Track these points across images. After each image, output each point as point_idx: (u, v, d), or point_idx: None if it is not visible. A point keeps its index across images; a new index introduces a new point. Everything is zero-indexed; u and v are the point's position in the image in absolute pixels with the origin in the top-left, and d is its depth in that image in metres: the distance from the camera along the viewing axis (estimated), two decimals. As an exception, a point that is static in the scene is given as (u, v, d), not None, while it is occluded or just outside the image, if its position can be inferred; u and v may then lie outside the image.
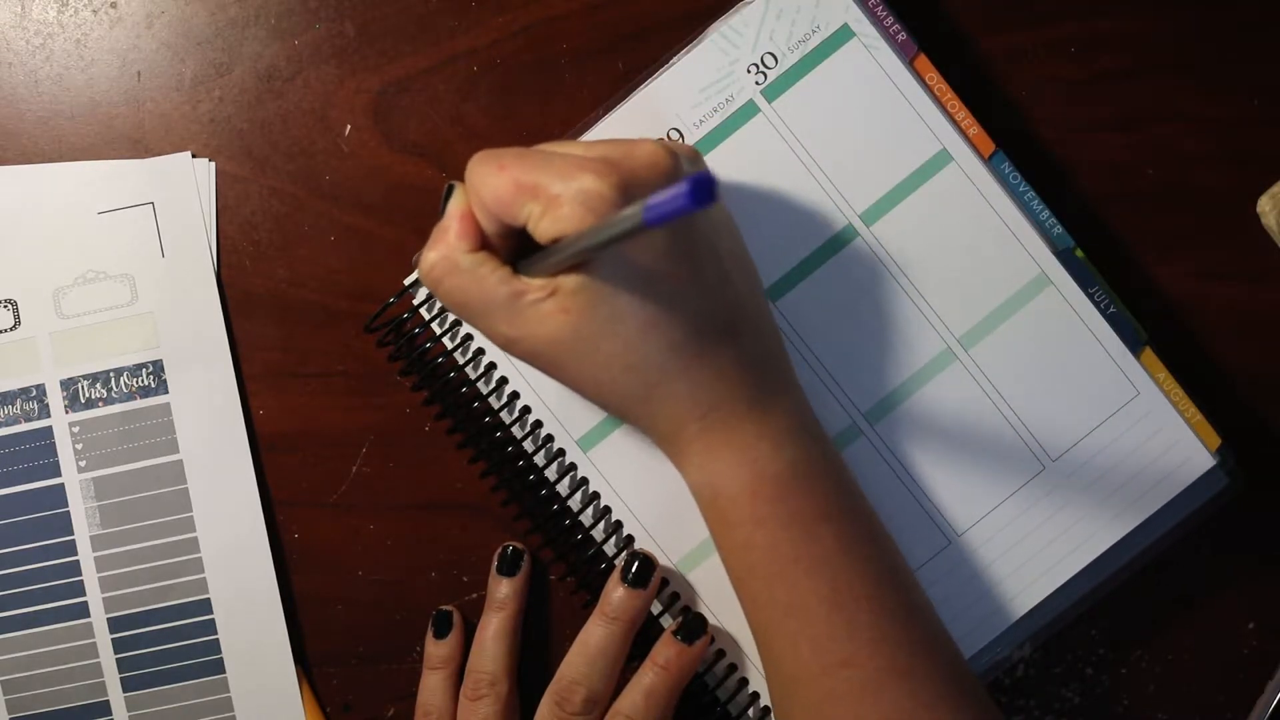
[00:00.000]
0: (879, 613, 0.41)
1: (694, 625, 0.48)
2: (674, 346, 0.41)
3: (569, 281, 0.40)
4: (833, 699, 0.41)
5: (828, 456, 0.43)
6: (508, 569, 0.50)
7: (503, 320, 0.41)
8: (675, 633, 0.48)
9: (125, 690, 0.50)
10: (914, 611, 0.42)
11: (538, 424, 0.49)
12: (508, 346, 0.42)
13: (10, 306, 0.50)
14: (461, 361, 0.49)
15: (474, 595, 0.51)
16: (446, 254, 0.41)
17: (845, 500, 0.43)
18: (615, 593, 0.48)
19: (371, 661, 0.51)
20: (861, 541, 0.42)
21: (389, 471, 0.51)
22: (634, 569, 0.48)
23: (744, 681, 0.49)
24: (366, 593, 0.51)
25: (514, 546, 0.50)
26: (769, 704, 0.48)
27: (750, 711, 0.49)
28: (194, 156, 0.51)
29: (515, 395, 0.49)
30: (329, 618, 0.51)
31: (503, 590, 0.50)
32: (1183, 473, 0.48)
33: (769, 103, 0.48)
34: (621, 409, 0.43)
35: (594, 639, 0.48)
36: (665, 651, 0.48)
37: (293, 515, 0.51)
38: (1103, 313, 0.49)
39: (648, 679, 0.47)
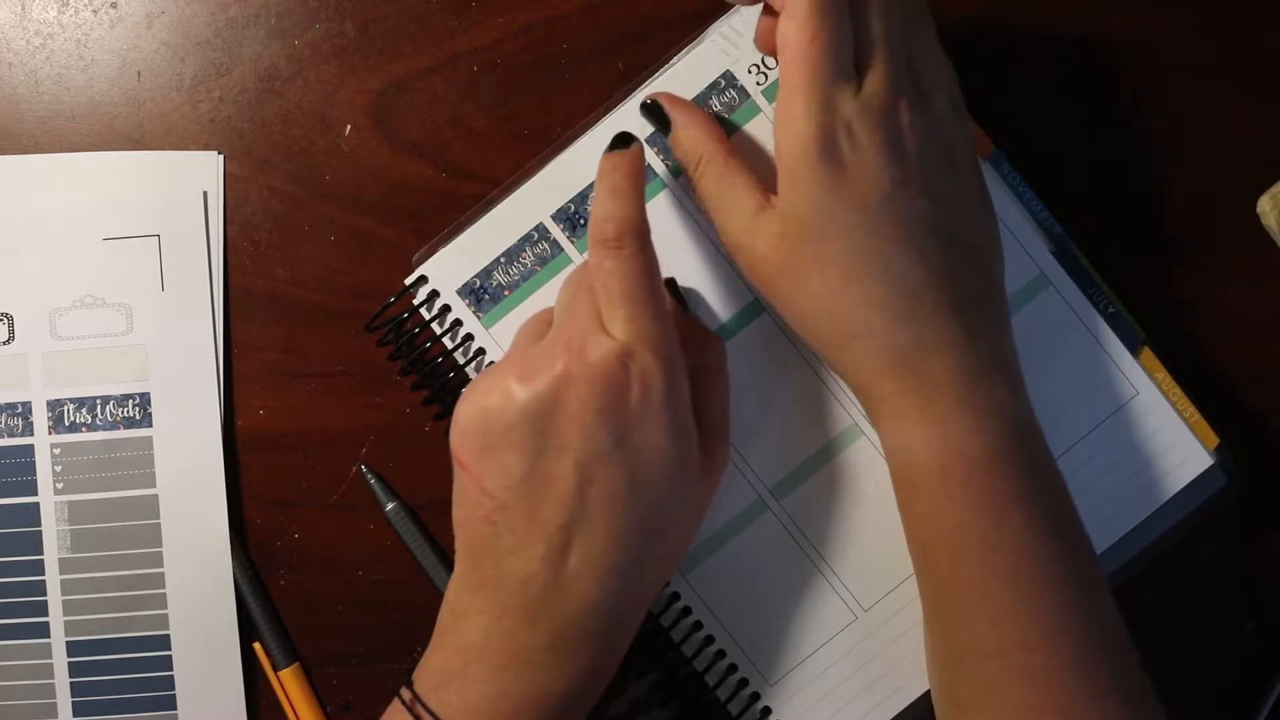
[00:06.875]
0: (1060, 602, 0.41)
1: (625, 138, 0.45)
2: (874, 304, 0.42)
3: (786, 206, 0.42)
4: (1005, 678, 0.41)
5: (1026, 440, 0.43)
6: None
7: (736, 225, 0.44)
8: (609, 149, 0.45)
9: (75, 715, 0.50)
10: (1093, 606, 0.42)
11: (538, 424, 0.49)
12: (734, 253, 0.45)
13: (6, 321, 0.50)
14: (462, 362, 0.49)
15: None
16: (713, 146, 0.45)
17: (1038, 487, 0.42)
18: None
19: (371, 661, 0.51)
20: (1049, 530, 0.42)
21: (389, 471, 0.51)
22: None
23: (744, 682, 0.49)
24: (366, 593, 0.51)
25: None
26: (769, 704, 0.48)
27: (750, 711, 0.49)
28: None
29: (515, 395, 0.49)
30: (329, 618, 0.51)
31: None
32: (1181, 472, 0.48)
33: (770, 103, 0.48)
34: (820, 349, 0.44)
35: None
36: (608, 160, 0.44)
37: (293, 515, 0.51)
38: (1102, 313, 0.49)
39: (605, 183, 0.44)
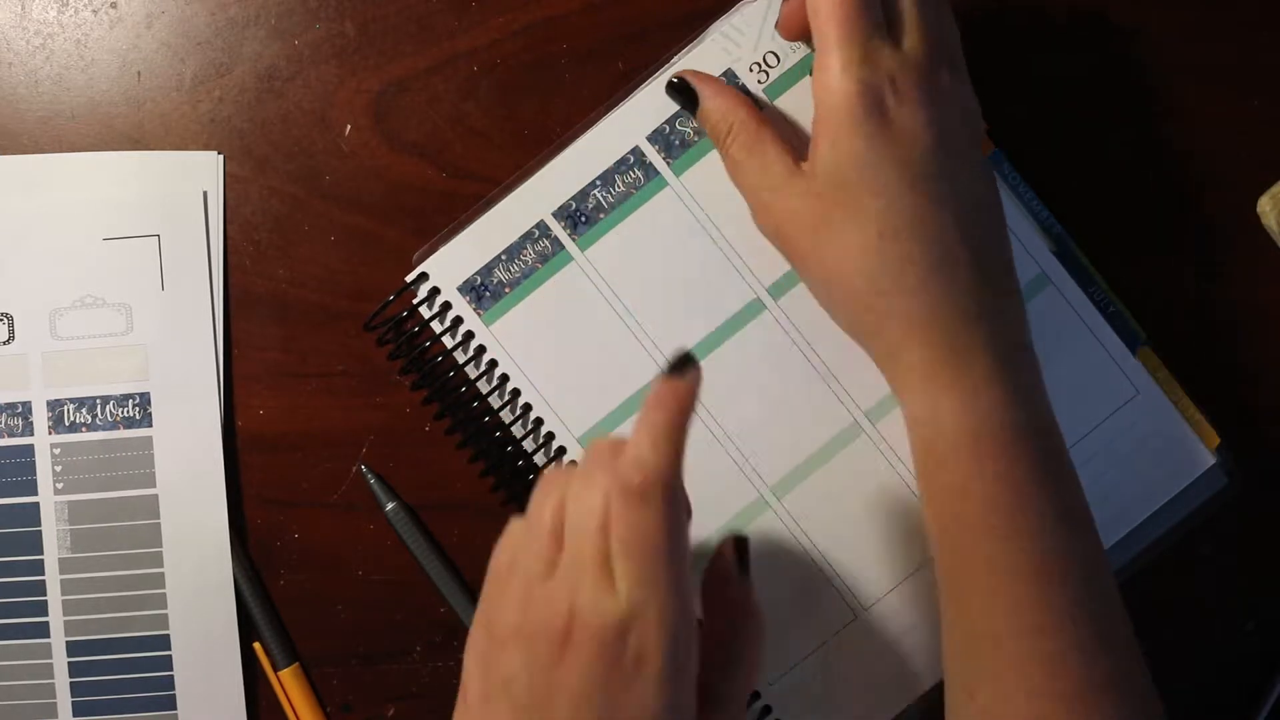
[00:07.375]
0: (1076, 587, 0.41)
1: (683, 361, 0.39)
2: (911, 260, 0.41)
3: (822, 164, 0.42)
4: (1019, 665, 0.40)
5: (1048, 421, 0.42)
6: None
7: (768, 186, 0.44)
8: (666, 372, 0.39)
9: (75, 715, 0.50)
10: (1104, 597, 0.42)
11: (539, 422, 0.49)
12: (761, 214, 0.45)
13: (6, 321, 0.50)
14: (461, 360, 0.49)
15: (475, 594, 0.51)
16: (743, 114, 0.45)
17: (1060, 468, 0.42)
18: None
19: (371, 661, 0.51)
20: (1068, 513, 0.42)
21: (389, 471, 0.51)
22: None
23: (744, 681, 0.49)
24: (366, 593, 0.51)
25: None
26: (769, 704, 0.48)
27: (749, 711, 0.49)
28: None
29: (516, 393, 0.49)
30: (329, 618, 0.51)
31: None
32: (1182, 472, 0.48)
33: (771, 101, 0.48)
34: (847, 312, 0.43)
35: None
36: (655, 395, 0.38)
37: (293, 515, 0.51)
38: (1103, 312, 0.49)
39: (646, 420, 0.38)
